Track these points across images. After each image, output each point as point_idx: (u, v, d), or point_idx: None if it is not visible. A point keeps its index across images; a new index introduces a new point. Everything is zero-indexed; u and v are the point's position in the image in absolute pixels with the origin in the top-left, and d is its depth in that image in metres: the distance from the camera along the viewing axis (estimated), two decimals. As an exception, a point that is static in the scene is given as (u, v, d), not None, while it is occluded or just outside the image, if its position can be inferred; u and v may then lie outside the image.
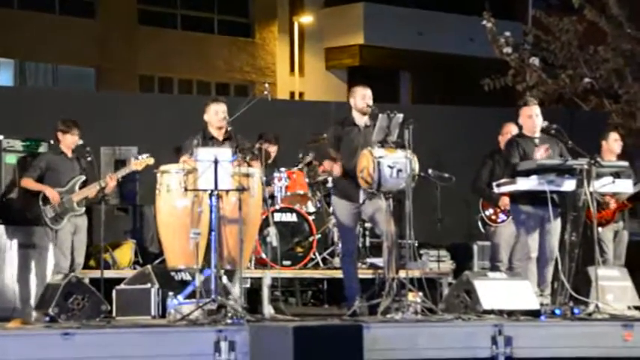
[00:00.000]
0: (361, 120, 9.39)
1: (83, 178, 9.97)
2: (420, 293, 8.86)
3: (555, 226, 9.40)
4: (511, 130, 10.47)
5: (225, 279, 8.81)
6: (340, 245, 10.82)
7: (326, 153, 9.52)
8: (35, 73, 23.71)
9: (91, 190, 9.90)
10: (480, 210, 10.72)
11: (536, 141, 9.51)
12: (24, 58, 23.25)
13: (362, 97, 9.35)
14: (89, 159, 9.90)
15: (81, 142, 9.93)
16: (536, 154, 9.33)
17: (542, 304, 9.07)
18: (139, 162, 9.93)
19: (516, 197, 9.52)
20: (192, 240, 8.64)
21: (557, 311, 8.91)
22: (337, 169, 9.26)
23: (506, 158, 9.60)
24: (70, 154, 9.99)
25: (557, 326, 8.55)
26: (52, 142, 10.44)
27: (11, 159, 10.52)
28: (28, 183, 9.93)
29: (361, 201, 9.23)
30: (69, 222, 9.85)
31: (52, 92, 17.37)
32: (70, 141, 9.93)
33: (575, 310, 8.93)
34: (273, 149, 11.42)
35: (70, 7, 23.59)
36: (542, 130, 9.51)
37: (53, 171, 9.93)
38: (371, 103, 9.32)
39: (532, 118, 9.53)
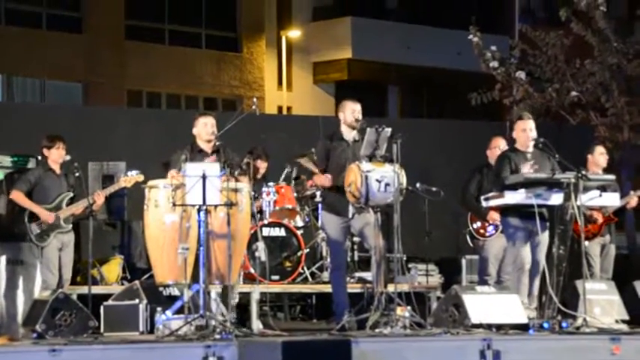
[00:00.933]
0: (350, 135, 9.40)
1: (71, 194, 9.94)
2: (409, 307, 8.86)
3: (543, 239, 9.43)
4: (499, 144, 10.51)
5: (214, 295, 8.80)
6: (329, 259, 10.82)
7: (305, 169, 9.51)
8: (23, 88, 23.66)
9: (79, 207, 9.87)
10: (468, 224, 10.74)
11: (529, 155, 9.54)
12: (11, 74, 23.21)
13: (352, 111, 9.36)
14: (77, 174, 9.86)
15: (68, 157, 9.89)
16: (522, 170, 9.36)
17: (528, 318, 9.08)
18: (128, 179, 9.90)
19: (505, 211, 9.55)
20: (180, 255, 8.62)
21: (546, 325, 8.92)
22: (327, 180, 9.26)
23: (496, 172, 9.63)
24: (58, 171, 9.95)
25: (545, 340, 8.56)
26: (39, 158, 10.41)
27: (-1, 175, 10.50)
28: (19, 197, 9.86)
29: (350, 215, 9.24)
30: (55, 238, 9.81)
31: (40, 107, 17.35)
32: (56, 156, 9.89)
33: (564, 324, 8.94)
34: (263, 165, 11.43)
35: (58, 22, 23.57)
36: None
37: (41, 187, 9.89)
38: (360, 117, 9.33)
39: (526, 132, 9.57)
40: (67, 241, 9.90)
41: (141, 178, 9.79)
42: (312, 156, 10.43)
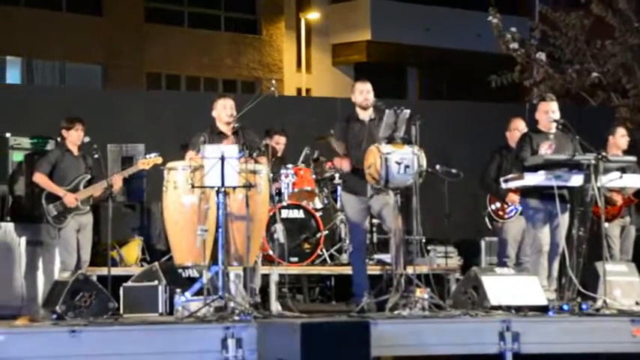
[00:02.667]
0: (364, 114, 9.42)
1: (88, 176, 9.95)
2: (428, 289, 8.84)
3: (563, 221, 9.38)
4: (518, 126, 10.45)
5: (233, 276, 8.80)
6: (348, 241, 10.81)
7: (332, 149, 9.53)
8: (42, 71, 23.72)
9: (96, 189, 9.89)
10: (487, 206, 10.70)
11: (551, 137, 9.49)
12: (31, 56, 23.26)
13: (360, 92, 9.41)
14: (96, 156, 9.88)
15: (88, 139, 9.91)
16: (540, 150, 9.31)
17: (548, 300, 9.05)
18: (147, 161, 9.91)
19: (525, 192, 9.51)
20: (199, 237, 8.62)
21: (565, 307, 8.87)
22: (346, 165, 9.28)
23: (516, 152, 9.59)
24: (76, 152, 9.97)
25: (565, 322, 8.52)
26: (58, 139, 10.43)
27: (18, 156, 10.52)
28: (42, 179, 9.88)
29: (369, 195, 9.23)
30: (73, 220, 9.83)
31: (59, 90, 17.39)
32: (74, 137, 9.91)
33: (583, 306, 8.89)
34: (282, 140, 11.42)
35: (77, 4, 23.60)
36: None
37: (59, 168, 9.91)
38: (370, 96, 9.35)
39: (548, 114, 9.52)
40: (85, 223, 9.92)
41: (159, 160, 9.80)
42: (331, 137, 10.41)
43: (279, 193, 10.98)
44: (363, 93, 9.39)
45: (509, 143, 10.46)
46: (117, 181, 9.84)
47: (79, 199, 9.82)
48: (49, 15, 22.86)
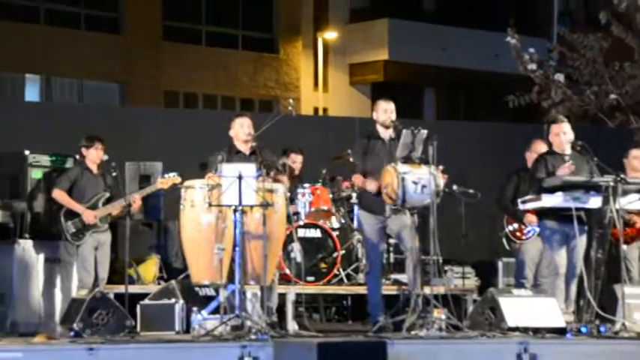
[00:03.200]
0: (385, 133, 9.45)
1: (107, 195, 10.00)
2: (445, 310, 8.83)
3: (581, 243, 9.36)
4: (539, 148, 10.40)
5: (249, 295, 8.82)
6: (365, 261, 10.81)
7: (353, 168, 9.55)
8: (61, 88, 23.84)
9: (115, 208, 9.94)
10: (504, 226, 10.68)
11: (566, 158, 9.48)
12: (50, 74, 23.38)
13: (384, 110, 9.43)
14: (114, 174, 9.93)
15: (106, 157, 9.97)
16: (559, 172, 9.30)
17: (566, 322, 9.02)
18: (166, 180, 9.94)
19: (542, 214, 9.49)
20: (216, 255, 8.64)
21: (584, 329, 8.85)
22: (374, 186, 9.25)
23: (532, 174, 9.58)
24: (95, 170, 10.03)
25: (583, 344, 8.49)
26: (77, 157, 10.49)
27: (37, 174, 10.58)
28: (61, 195, 9.95)
29: (387, 214, 9.23)
30: (91, 237, 9.88)
31: (78, 108, 17.46)
32: (94, 156, 9.97)
33: (602, 329, 8.86)
34: (298, 159, 11.44)
35: (96, 22, 23.72)
36: (570, 147, 9.49)
37: (78, 186, 9.98)
38: (393, 116, 9.38)
39: (560, 136, 9.51)
40: (103, 241, 9.96)
41: (178, 180, 9.82)
42: (347, 156, 10.44)
43: (296, 213, 10.99)
44: (387, 112, 9.41)
45: (527, 164, 10.45)
46: (136, 201, 9.90)
47: (97, 217, 9.87)
48: (68, 33, 22.98)
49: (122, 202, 9.83)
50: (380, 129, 9.48)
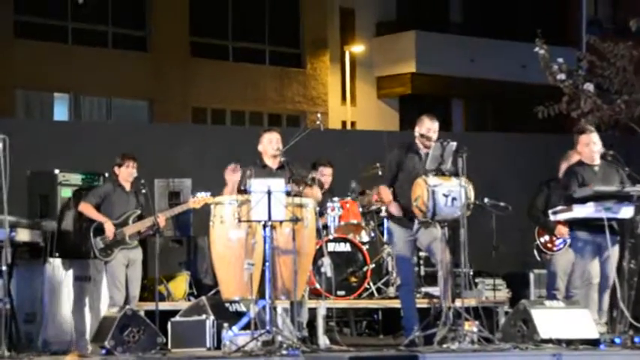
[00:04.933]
0: (424, 149, 9.37)
1: (138, 212, 10.07)
2: (477, 322, 8.81)
3: (613, 253, 9.32)
4: (575, 158, 10.31)
5: (280, 310, 8.82)
6: (395, 275, 10.79)
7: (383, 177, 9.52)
8: (90, 107, 24.00)
9: (145, 224, 10.00)
10: (535, 238, 10.64)
11: (596, 168, 9.44)
12: (78, 93, 23.55)
13: (427, 129, 9.33)
14: (144, 191, 9.99)
15: (135, 174, 10.03)
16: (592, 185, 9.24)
17: (599, 333, 8.98)
18: (198, 200, 9.99)
19: (574, 224, 9.45)
20: (246, 271, 8.66)
21: (617, 340, 8.80)
22: (396, 209, 9.23)
23: (564, 186, 9.54)
24: (128, 188, 10.12)
25: (617, 355, 8.44)
26: (107, 175, 10.56)
27: (67, 192, 10.64)
28: (87, 209, 10.04)
29: (415, 229, 9.21)
30: (120, 254, 9.94)
31: (106, 126, 17.58)
32: (125, 174, 10.06)
33: (636, 339, 8.81)
34: (328, 172, 11.39)
35: (123, 41, 23.88)
36: (601, 157, 9.44)
37: (109, 202, 10.06)
38: (435, 137, 9.28)
39: (589, 146, 9.48)
40: (134, 258, 10.02)
41: (210, 200, 9.79)
42: (377, 170, 10.43)
43: (326, 227, 11.00)
44: (430, 132, 9.31)
45: (559, 175, 10.39)
46: (161, 221, 9.97)
47: (126, 233, 9.93)
48: (96, 51, 23.15)
49: (150, 220, 9.88)
50: (419, 144, 9.42)
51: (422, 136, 9.27)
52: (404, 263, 9.49)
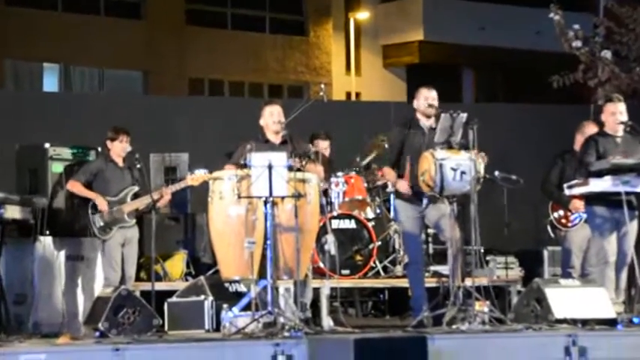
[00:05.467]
0: (426, 122, 9.35)
1: (136, 188, 10.06)
2: (488, 302, 8.82)
3: (632, 229, 9.32)
4: (590, 129, 10.31)
5: (282, 290, 8.84)
6: (402, 252, 10.80)
7: (386, 157, 9.52)
8: (81, 78, 23.98)
9: (143, 202, 10.00)
10: (549, 213, 10.64)
11: (618, 140, 9.43)
12: (69, 63, 23.52)
13: (425, 98, 9.32)
14: (138, 166, 9.98)
15: (130, 148, 10.02)
16: (612, 157, 9.21)
17: (616, 312, 8.99)
18: (196, 177, 9.91)
19: (590, 199, 9.45)
20: (246, 249, 8.66)
21: (636, 320, 8.81)
22: (405, 187, 9.22)
23: (581, 157, 9.52)
24: (121, 163, 10.10)
25: (635, 336, 8.45)
26: (99, 149, 10.55)
27: (58, 167, 10.63)
28: (75, 186, 10.04)
29: (424, 205, 9.20)
30: (118, 232, 9.95)
31: (99, 97, 17.56)
32: (119, 149, 10.04)
33: (655, 319, 8.83)
34: (325, 145, 11.37)
35: (116, 8, 23.83)
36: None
37: (102, 179, 10.04)
38: (436, 104, 9.28)
39: (615, 116, 9.46)
40: (130, 237, 10.03)
41: (208, 176, 9.69)
42: (383, 143, 10.42)
43: (330, 203, 11.00)
44: (429, 99, 9.31)
45: (574, 147, 10.38)
46: (166, 195, 9.95)
47: (125, 211, 9.94)
48: (87, 20, 23.11)
49: (149, 198, 9.86)
50: (420, 117, 9.38)
51: (429, 106, 9.24)
52: (412, 241, 9.48)
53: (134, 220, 10.06)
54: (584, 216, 10.09)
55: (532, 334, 8.36)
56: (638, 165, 9.14)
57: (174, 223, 11.56)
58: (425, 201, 9.20)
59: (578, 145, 10.33)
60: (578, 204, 10.09)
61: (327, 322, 9.01)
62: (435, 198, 9.11)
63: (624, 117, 9.46)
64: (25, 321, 9.91)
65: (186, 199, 11.45)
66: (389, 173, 9.42)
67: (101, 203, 9.90)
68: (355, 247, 10.93)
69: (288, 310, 8.70)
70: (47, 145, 10.69)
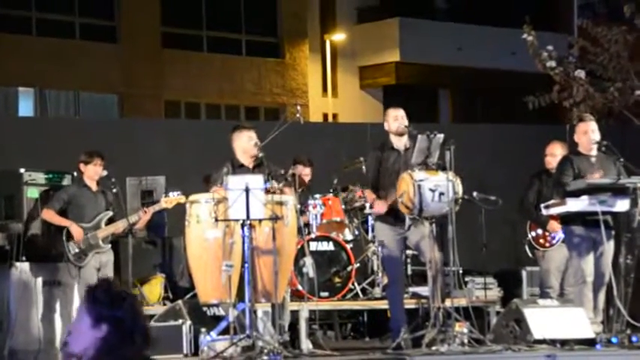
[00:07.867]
0: (400, 143, 9.40)
1: (110, 213, 10.03)
2: (467, 323, 8.83)
3: (608, 248, 9.36)
4: (554, 151, 10.38)
5: (260, 314, 8.83)
6: (381, 274, 10.80)
7: (366, 180, 9.54)
8: (56, 101, 23.92)
9: (118, 226, 9.97)
10: (527, 233, 10.68)
11: (593, 159, 9.47)
12: (44, 87, 23.47)
13: (394, 118, 9.37)
14: (114, 191, 9.96)
15: (105, 172, 9.99)
16: (588, 177, 9.27)
17: (595, 332, 9.01)
18: (170, 199, 9.93)
19: (567, 219, 9.48)
20: (224, 273, 8.66)
21: (614, 339, 8.84)
22: (382, 208, 9.25)
23: (556, 177, 9.56)
24: (94, 188, 10.06)
25: (614, 356, 8.49)
26: (75, 174, 10.52)
27: (33, 192, 10.59)
28: (49, 215, 10.01)
29: (406, 227, 9.22)
30: (93, 258, 9.91)
31: (74, 121, 17.52)
32: (92, 172, 10.00)
33: (634, 338, 8.86)
34: (306, 172, 11.42)
35: (91, 31, 23.81)
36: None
37: (76, 205, 10.00)
38: (405, 122, 9.34)
39: (588, 135, 9.50)
40: (105, 261, 10.00)
41: (182, 199, 9.72)
42: (360, 164, 10.44)
43: (308, 225, 11.00)
44: (398, 119, 9.37)
45: (547, 168, 10.44)
46: (145, 216, 9.91)
47: (99, 237, 9.91)
48: (62, 43, 23.07)
49: (125, 221, 9.83)
50: (394, 139, 9.42)
51: (399, 127, 9.28)
52: (393, 262, 9.50)
53: (109, 245, 10.03)
54: (562, 236, 10.13)
55: (511, 354, 8.39)
56: (615, 184, 9.18)
57: (151, 247, 11.54)
58: (407, 222, 9.22)
59: (549, 165, 10.37)
60: (555, 224, 10.13)
61: (306, 344, 9.01)
62: (415, 220, 9.13)
63: (597, 135, 9.50)
64: (1, 348, 9.85)
65: (164, 223, 11.43)
66: (369, 195, 9.46)
67: (76, 231, 9.87)
68: (334, 269, 10.92)
69: (267, 333, 8.70)
70: (22, 170, 10.65)
